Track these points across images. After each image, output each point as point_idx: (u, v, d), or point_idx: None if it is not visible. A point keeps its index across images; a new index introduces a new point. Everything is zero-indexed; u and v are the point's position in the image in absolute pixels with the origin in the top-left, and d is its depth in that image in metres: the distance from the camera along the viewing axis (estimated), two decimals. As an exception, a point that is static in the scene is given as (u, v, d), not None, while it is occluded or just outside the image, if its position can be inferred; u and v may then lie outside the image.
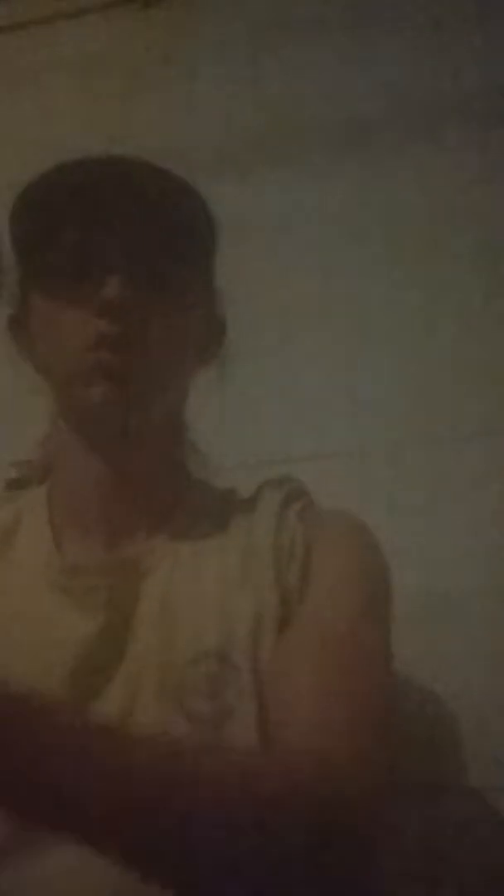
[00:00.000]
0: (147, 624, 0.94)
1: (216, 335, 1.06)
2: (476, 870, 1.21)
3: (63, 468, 1.02)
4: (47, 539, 1.00)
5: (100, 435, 0.98)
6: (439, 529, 1.36)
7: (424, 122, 1.48)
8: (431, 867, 1.20)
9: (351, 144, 1.50)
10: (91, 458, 0.99)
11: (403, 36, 1.51)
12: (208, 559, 0.98)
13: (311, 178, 1.50)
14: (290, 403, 1.42)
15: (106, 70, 1.60)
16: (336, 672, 0.89)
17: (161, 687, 0.91)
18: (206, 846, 0.74)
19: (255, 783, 0.78)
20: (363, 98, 1.51)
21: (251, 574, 0.96)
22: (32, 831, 0.79)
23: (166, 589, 0.96)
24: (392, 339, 1.44)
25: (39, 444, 1.09)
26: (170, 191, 0.98)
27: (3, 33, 1.63)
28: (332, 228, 1.48)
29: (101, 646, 0.93)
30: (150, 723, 0.89)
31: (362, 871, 0.82)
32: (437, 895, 1.20)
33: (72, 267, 0.95)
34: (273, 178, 1.50)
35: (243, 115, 1.54)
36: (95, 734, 0.75)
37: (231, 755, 0.83)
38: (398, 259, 1.47)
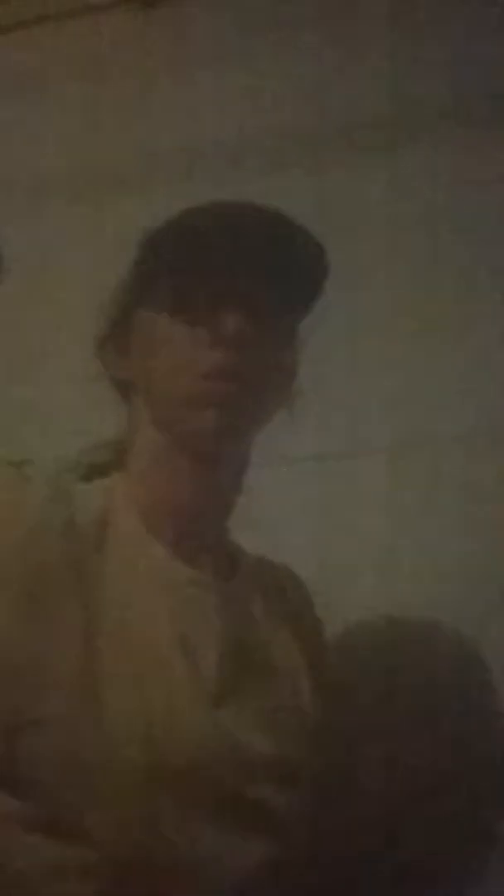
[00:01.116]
0: (249, 657, 1.05)
1: (291, 378, 1.12)
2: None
3: (145, 472, 1.06)
4: (147, 537, 1.04)
5: (197, 456, 1.04)
6: (438, 530, 1.36)
7: (424, 122, 1.48)
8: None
9: (351, 145, 1.50)
10: (179, 474, 1.04)
11: (403, 35, 1.51)
12: (268, 614, 1.09)
13: (313, 179, 1.50)
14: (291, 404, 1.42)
15: (106, 70, 1.60)
16: None
17: (256, 720, 1.02)
18: None
19: None
20: (363, 99, 1.51)
21: (305, 653, 1.10)
22: None
23: (260, 628, 1.08)
24: (392, 339, 1.44)
25: (99, 447, 1.13)
26: (296, 242, 1.05)
27: (3, 33, 1.62)
28: (331, 229, 1.48)
29: (217, 664, 1.01)
30: (253, 750, 1.00)
31: None
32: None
33: (195, 295, 1.02)
34: (274, 178, 1.49)
35: (243, 115, 1.54)
36: None
37: None
38: (398, 260, 1.47)
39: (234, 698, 1.00)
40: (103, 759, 0.92)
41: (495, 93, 1.45)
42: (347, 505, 1.37)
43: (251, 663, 1.04)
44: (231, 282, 1.01)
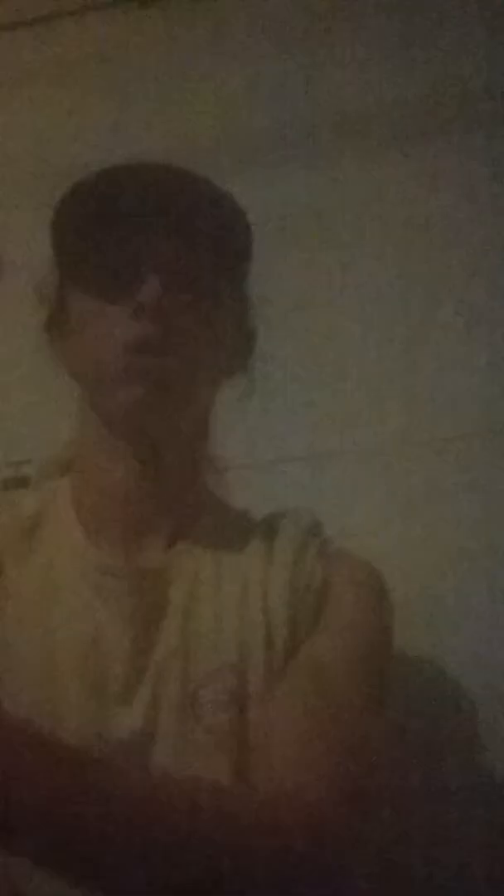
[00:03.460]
0: (170, 634, 0.97)
1: (246, 344, 1.07)
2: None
3: (88, 464, 1.03)
4: (78, 533, 1.01)
5: (129, 436, 0.99)
6: (438, 530, 1.36)
7: (423, 122, 1.48)
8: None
9: (349, 144, 1.50)
10: (118, 458, 1.00)
11: (403, 36, 1.51)
12: (227, 577, 1.01)
13: (312, 178, 1.50)
14: (288, 403, 1.42)
15: (106, 69, 1.60)
16: (326, 718, 0.92)
17: (182, 697, 0.94)
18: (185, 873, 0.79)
19: (230, 816, 0.83)
20: (362, 98, 1.51)
21: (268, 603, 0.99)
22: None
23: (189, 601, 0.99)
24: (391, 338, 1.44)
25: (65, 439, 1.11)
26: (207, 199, 0.99)
27: (3, 32, 1.63)
28: (330, 227, 1.48)
29: (130, 652, 0.96)
30: (171, 732, 0.93)
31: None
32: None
33: (111, 268, 0.97)
34: (273, 177, 1.50)
35: (242, 114, 1.54)
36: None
37: (209, 789, 0.86)
38: (398, 258, 1.47)
39: (155, 686, 0.94)
40: None
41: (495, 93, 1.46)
42: (346, 505, 1.37)
43: (172, 639, 0.97)
44: (147, 249, 0.96)
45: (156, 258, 0.96)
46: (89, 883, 0.79)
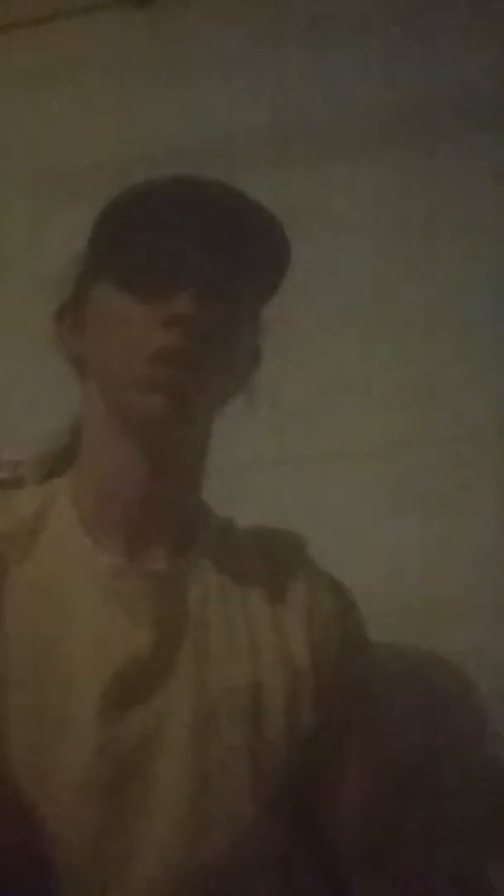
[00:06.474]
0: (188, 641, 0.98)
1: (252, 364, 1.08)
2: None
3: (94, 462, 1.03)
4: (81, 535, 1.01)
5: (143, 441, 1.00)
6: (438, 531, 1.36)
7: (422, 122, 1.48)
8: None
9: (348, 145, 1.50)
10: (128, 460, 1.01)
11: (400, 36, 1.51)
12: (232, 591, 1.02)
13: (311, 179, 1.50)
14: (287, 404, 1.42)
15: (104, 70, 1.60)
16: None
17: (195, 710, 0.94)
18: None
19: None
20: (361, 98, 1.51)
21: (280, 623, 1.02)
22: None
23: (202, 611, 1.00)
24: (392, 338, 1.44)
25: (59, 434, 1.11)
26: (254, 223, 1.00)
27: (3, 33, 1.63)
28: (330, 229, 1.48)
29: (149, 656, 0.96)
30: (183, 745, 0.93)
31: None
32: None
33: (149, 270, 0.97)
34: (271, 178, 1.50)
35: (241, 115, 1.54)
36: None
37: None
38: (398, 259, 1.47)
39: (171, 693, 0.94)
40: None
41: (495, 93, 1.46)
42: (344, 507, 1.37)
43: (190, 647, 0.97)
44: (188, 260, 0.97)
45: (193, 272, 0.97)
46: None
